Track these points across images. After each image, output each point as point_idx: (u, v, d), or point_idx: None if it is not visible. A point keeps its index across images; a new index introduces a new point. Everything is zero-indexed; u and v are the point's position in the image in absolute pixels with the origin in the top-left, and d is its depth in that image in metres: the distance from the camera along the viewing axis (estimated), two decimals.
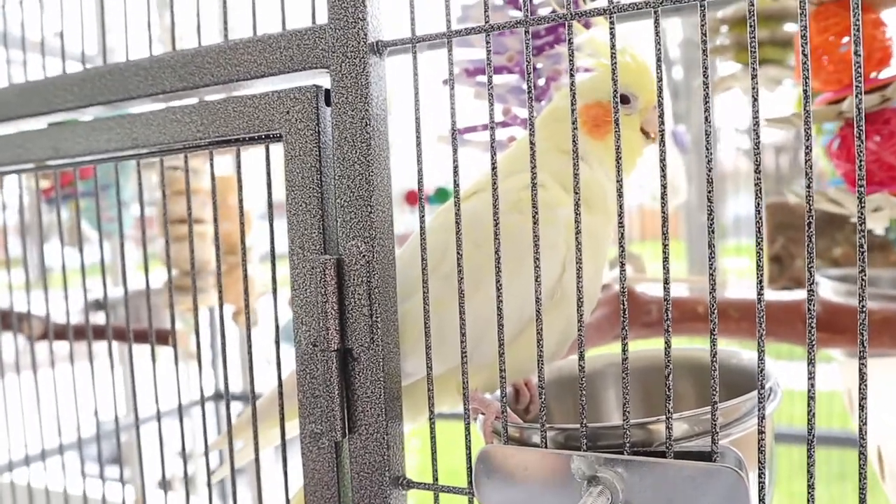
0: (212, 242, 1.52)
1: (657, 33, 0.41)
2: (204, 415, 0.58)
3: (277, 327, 0.55)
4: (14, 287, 0.75)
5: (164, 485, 0.66)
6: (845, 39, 0.76)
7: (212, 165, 0.54)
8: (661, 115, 0.42)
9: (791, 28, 1.04)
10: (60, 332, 0.88)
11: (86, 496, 0.70)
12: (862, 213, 0.38)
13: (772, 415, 0.48)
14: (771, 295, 0.96)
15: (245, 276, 0.55)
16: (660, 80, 0.41)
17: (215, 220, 0.55)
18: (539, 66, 0.77)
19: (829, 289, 1.01)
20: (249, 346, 0.55)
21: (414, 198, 1.31)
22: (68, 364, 0.69)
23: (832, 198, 0.82)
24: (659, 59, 0.41)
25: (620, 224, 0.43)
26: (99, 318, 1.66)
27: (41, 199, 1.27)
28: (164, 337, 1.11)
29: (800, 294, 0.95)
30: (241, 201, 0.53)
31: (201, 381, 0.58)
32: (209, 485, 0.61)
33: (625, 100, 0.58)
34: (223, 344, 0.56)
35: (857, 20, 0.38)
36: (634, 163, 0.60)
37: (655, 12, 0.41)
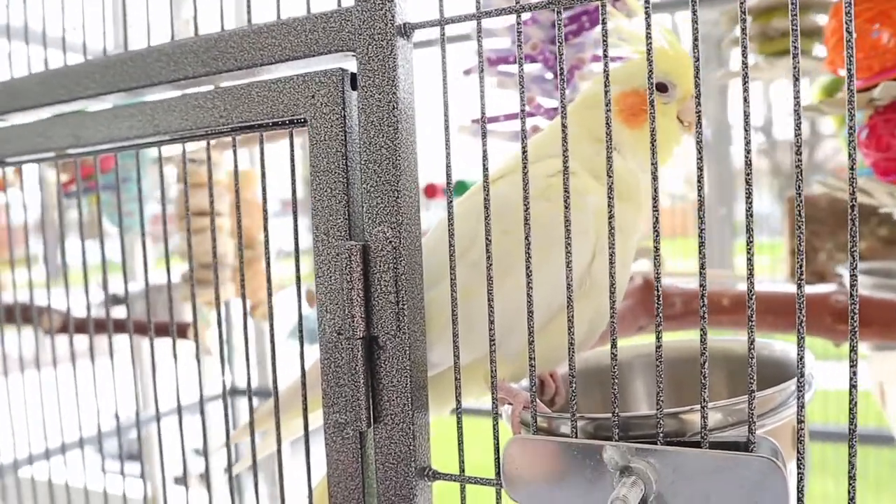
0: (227, 235, 1.52)
1: (694, 13, 0.40)
2: (226, 408, 0.58)
3: (301, 317, 0.54)
4: (34, 282, 0.74)
5: (185, 480, 0.65)
6: (877, 25, 0.74)
7: (234, 151, 0.53)
8: (699, 97, 0.40)
9: (816, 18, 1.03)
10: (79, 326, 0.88)
11: (106, 493, 0.70)
12: None
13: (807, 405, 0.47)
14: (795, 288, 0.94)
15: (268, 268, 0.54)
16: (697, 59, 0.40)
17: (238, 208, 0.55)
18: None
19: None
20: (272, 340, 0.54)
21: (431, 191, 1.30)
22: (86, 359, 0.69)
23: (861, 187, 0.80)
24: (696, 40, 0.40)
25: (655, 209, 0.41)
26: (116, 313, 1.66)
27: (62, 192, 1.27)
28: (182, 331, 1.11)
29: (825, 287, 0.93)
30: (264, 189, 0.53)
31: (223, 376, 0.58)
32: (230, 478, 0.61)
33: (662, 88, 0.56)
34: (246, 338, 0.55)
35: None
36: (671, 153, 0.58)
37: None
